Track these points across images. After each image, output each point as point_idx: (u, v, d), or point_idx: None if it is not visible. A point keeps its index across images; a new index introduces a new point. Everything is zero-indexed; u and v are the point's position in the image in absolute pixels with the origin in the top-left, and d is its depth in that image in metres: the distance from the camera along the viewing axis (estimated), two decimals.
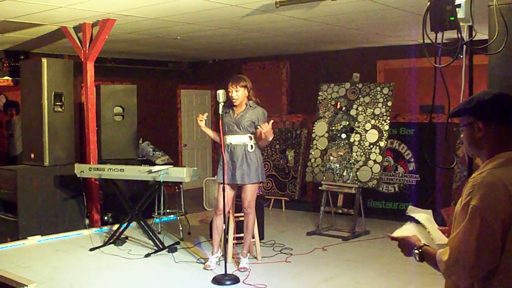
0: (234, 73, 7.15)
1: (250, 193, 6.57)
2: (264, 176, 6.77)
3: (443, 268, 2.48)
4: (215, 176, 6.91)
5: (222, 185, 6.39)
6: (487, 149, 2.58)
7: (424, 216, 2.89)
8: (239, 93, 6.51)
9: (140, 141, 9.65)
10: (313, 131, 9.30)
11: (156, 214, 8.64)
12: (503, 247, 2.38)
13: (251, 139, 6.53)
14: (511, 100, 2.56)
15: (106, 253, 7.36)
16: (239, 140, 6.51)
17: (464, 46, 4.13)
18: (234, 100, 6.52)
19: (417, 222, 2.88)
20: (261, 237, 7.72)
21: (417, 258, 2.66)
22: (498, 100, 2.56)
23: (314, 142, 9.19)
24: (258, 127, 6.37)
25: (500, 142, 2.54)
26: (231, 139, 6.54)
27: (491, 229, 2.36)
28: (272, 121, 6.39)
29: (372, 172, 8.47)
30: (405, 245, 2.75)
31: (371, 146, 8.58)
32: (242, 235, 6.94)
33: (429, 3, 4.13)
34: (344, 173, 8.68)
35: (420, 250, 2.65)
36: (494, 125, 2.55)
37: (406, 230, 2.85)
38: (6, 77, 10.74)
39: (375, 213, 9.53)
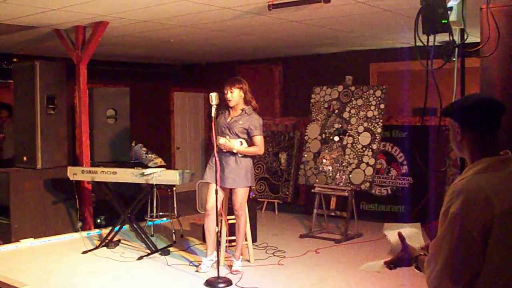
0: (227, 76, 7.14)
1: (241, 195, 6.57)
2: (253, 180, 6.79)
3: (426, 276, 2.48)
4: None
5: (211, 185, 6.42)
6: (467, 153, 2.57)
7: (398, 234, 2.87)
8: (234, 95, 6.50)
9: (133, 144, 9.63)
10: (306, 133, 9.30)
11: (148, 217, 8.62)
12: (484, 254, 2.35)
13: (241, 144, 6.52)
14: (490, 108, 2.53)
15: (98, 256, 7.34)
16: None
17: (456, 49, 4.15)
18: (229, 101, 6.52)
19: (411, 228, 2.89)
20: (254, 239, 7.71)
21: (415, 268, 2.69)
22: (477, 108, 2.53)
23: (307, 144, 9.20)
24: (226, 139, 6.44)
25: (479, 147, 2.53)
26: (222, 141, 6.51)
27: (470, 236, 2.34)
28: (226, 141, 6.45)
29: (365, 175, 8.48)
30: (403, 260, 2.76)
31: (364, 148, 8.58)
32: (234, 237, 6.94)
33: (421, 6, 4.14)
34: (337, 176, 8.69)
35: (415, 261, 2.68)
36: (471, 131, 2.53)
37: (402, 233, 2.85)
38: None
39: (368, 215, 9.53)
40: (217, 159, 6.38)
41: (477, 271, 2.37)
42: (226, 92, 6.52)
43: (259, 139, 6.56)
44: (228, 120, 6.56)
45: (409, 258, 2.71)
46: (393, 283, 6.19)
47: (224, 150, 6.47)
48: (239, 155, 6.49)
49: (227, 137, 6.48)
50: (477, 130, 2.52)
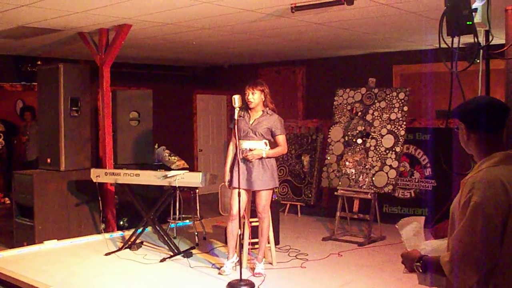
0: (250, 78, 7.17)
1: (265, 198, 6.56)
2: (278, 181, 6.78)
3: (448, 269, 2.55)
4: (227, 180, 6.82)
5: (236, 190, 6.39)
6: (474, 151, 2.74)
7: (411, 229, 2.94)
8: (255, 96, 6.50)
9: (156, 146, 9.67)
10: (329, 136, 9.27)
11: (171, 219, 8.65)
12: (502, 243, 2.47)
13: (266, 144, 6.53)
14: (494, 110, 2.68)
15: (121, 257, 7.37)
16: (255, 145, 6.50)
17: (481, 51, 4.11)
18: (249, 103, 6.52)
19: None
20: (277, 242, 7.69)
21: (420, 270, 2.76)
22: (481, 110, 2.68)
23: (330, 147, 9.16)
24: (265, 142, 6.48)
25: (485, 146, 2.68)
26: (246, 144, 6.52)
27: (493, 223, 2.45)
28: (252, 153, 6.47)
29: (388, 178, 8.43)
30: (407, 260, 2.84)
31: (387, 151, 8.54)
32: (257, 240, 6.93)
33: (445, 7, 4.11)
34: (360, 179, 8.65)
35: (420, 261, 2.74)
36: (476, 132, 2.69)
37: (410, 229, 2.93)
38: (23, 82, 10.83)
39: (391, 218, 9.45)
40: (239, 161, 6.38)
41: (497, 260, 2.48)
42: (247, 93, 6.52)
43: (282, 138, 6.59)
44: (251, 122, 6.55)
45: (413, 258, 2.80)
46: (417, 287, 6.13)
47: (253, 160, 6.46)
48: (264, 156, 6.49)
49: (250, 141, 6.49)
50: (481, 131, 2.68)
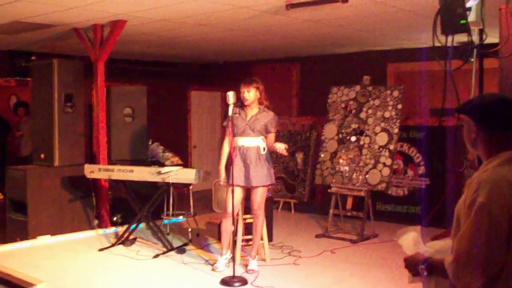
0: (244, 75, 7.17)
1: (261, 195, 6.57)
2: (274, 178, 6.79)
3: (452, 271, 2.46)
4: (223, 179, 6.79)
5: (232, 187, 6.39)
6: (481, 150, 2.63)
7: (409, 238, 2.92)
8: (250, 94, 6.51)
9: (150, 142, 9.65)
10: (323, 133, 9.27)
11: (165, 215, 8.64)
12: (508, 245, 2.37)
13: (264, 141, 6.55)
14: (506, 107, 2.59)
15: (114, 253, 7.37)
16: (252, 142, 6.51)
17: (475, 50, 4.13)
18: (245, 100, 6.53)
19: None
20: (270, 239, 7.70)
21: (425, 272, 2.67)
22: (494, 107, 2.60)
23: (324, 144, 9.17)
24: (276, 146, 6.49)
25: (494, 145, 2.58)
26: (243, 141, 6.52)
27: (499, 224, 2.36)
28: (285, 146, 6.53)
29: (382, 175, 8.44)
30: (411, 264, 2.77)
31: (381, 149, 8.55)
32: (250, 237, 6.94)
33: (440, 6, 4.12)
34: (354, 176, 8.66)
35: (425, 264, 2.66)
36: (487, 129, 2.59)
37: (409, 239, 2.90)
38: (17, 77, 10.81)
39: (384, 216, 9.49)
40: (236, 158, 6.40)
41: (503, 263, 2.38)
42: (242, 91, 6.53)
43: (273, 136, 6.66)
44: (248, 118, 6.56)
45: (417, 262, 2.72)
46: (410, 285, 6.14)
47: (287, 154, 6.57)
48: (262, 152, 6.52)
49: (247, 137, 6.51)
50: (492, 128, 2.58)
